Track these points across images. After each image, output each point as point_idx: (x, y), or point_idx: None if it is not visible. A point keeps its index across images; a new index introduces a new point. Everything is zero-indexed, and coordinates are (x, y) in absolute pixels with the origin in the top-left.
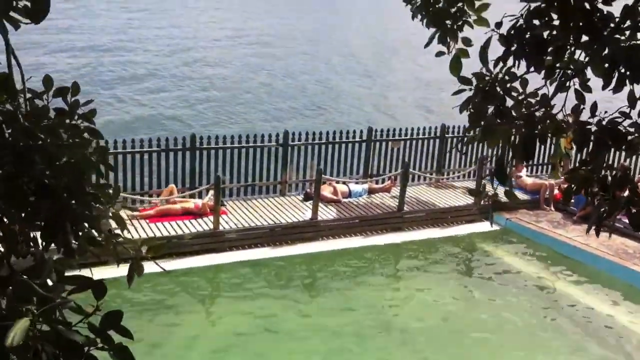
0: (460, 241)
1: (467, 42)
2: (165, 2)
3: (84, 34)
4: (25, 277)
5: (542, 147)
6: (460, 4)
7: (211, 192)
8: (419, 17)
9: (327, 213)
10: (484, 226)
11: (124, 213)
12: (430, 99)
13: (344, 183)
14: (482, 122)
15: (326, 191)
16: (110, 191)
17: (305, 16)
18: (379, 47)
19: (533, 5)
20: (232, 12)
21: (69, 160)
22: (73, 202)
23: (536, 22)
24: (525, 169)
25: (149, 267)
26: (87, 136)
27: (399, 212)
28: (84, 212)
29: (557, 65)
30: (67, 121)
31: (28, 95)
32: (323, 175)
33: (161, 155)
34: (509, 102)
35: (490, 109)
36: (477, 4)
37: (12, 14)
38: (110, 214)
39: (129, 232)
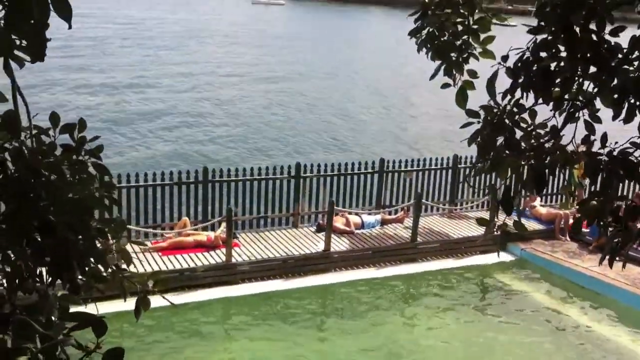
0: (474, 272)
1: (473, 74)
2: (182, 39)
3: (102, 72)
4: (26, 314)
5: (558, 176)
6: (465, 37)
7: (224, 224)
8: (424, 50)
9: (339, 244)
10: (499, 256)
11: (136, 245)
12: (449, 130)
13: (356, 214)
14: (491, 154)
15: (339, 222)
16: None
17: (323, 50)
18: (397, 79)
19: (540, 37)
20: (248, 48)
21: (72, 197)
22: (78, 238)
23: (543, 54)
24: (539, 199)
25: (159, 300)
26: (93, 172)
27: (412, 243)
28: (89, 248)
29: (566, 96)
30: (74, 157)
31: (34, 132)
32: (335, 207)
33: (174, 189)
34: (518, 134)
35: (499, 141)
36: (482, 36)
37: (16, 52)
38: (116, 249)
39: (141, 264)
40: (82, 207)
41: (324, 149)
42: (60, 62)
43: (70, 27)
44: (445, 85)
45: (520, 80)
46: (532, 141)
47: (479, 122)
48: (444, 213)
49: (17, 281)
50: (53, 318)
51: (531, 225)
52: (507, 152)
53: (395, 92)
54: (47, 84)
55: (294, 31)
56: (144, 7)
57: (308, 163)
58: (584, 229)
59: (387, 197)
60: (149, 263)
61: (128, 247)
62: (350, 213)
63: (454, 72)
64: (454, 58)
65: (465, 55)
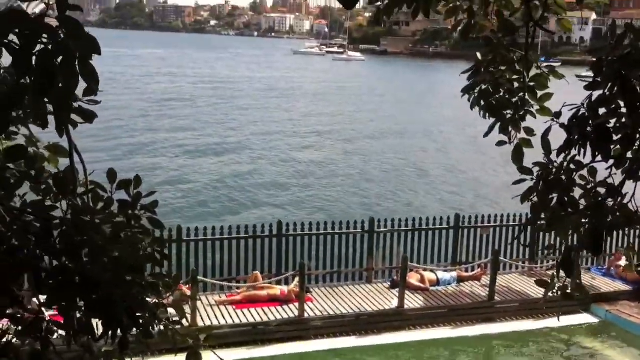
0: (556, 334)
1: (530, 132)
2: (266, 96)
3: (189, 130)
4: None
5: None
6: (521, 94)
7: (297, 278)
8: (478, 107)
9: (414, 302)
10: (582, 318)
11: (211, 298)
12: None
13: (431, 271)
14: (546, 213)
15: (413, 279)
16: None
17: (402, 105)
18: (476, 131)
19: (597, 93)
20: (330, 104)
21: (114, 254)
22: (124, 294)
23: (601, 110)
24: (624, 258)
25: (225, 355)
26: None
27: (489, 301)
28: (139, 303)
29: (627, 154)
30: (130, 212)
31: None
32: (410, 263)
33: (248, 242)
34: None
35: (555, 199)
36: (539, 93)
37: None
38: (168, 302)
39: (215, 317)
40: (124, 265)
41: (398, 203)
42: (145, 119)
43: (95, 93)
44: (500, 143)
45: (575, 137)
46: (592, 200)
47: (532, 179)
48: (523, 271)
49: (71, 334)
50: None
51: (617, 286)
52: (563, 210)
53: (472, 147)
54: (142, 143)
55: (372, 86)
56: (230, 66)
57: (382, 218)
58: None
59: (463, 253)
60: (223, 316)
61: (203, 299)
62: (425, 269)
63: (510, 130)
64: (509, 115)
65: (522, 113)
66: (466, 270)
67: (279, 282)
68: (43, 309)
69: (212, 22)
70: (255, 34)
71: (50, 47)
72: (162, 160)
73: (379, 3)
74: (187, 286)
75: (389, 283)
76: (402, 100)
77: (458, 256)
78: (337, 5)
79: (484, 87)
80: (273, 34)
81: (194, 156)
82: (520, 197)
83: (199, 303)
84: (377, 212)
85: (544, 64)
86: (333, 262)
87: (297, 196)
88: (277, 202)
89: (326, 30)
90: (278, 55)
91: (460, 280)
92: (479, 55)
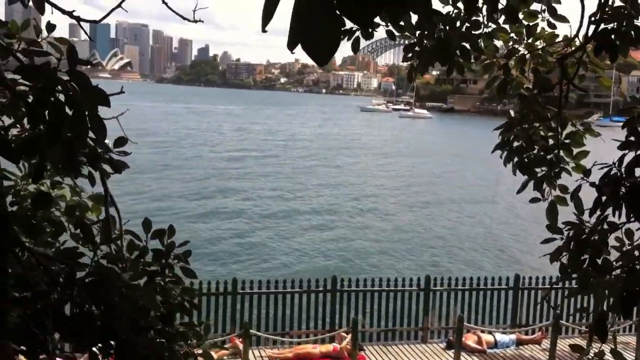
0: None
1: (564, 189)
2: (334, 152)
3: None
4: None
5: None
6: (556, 151)
7: (349, 335)
8: (511, 164)
9: None
10: None
11: (263, 352)
12: None
13: (489, 332)
14: (577, 274)
15: (470, 340)
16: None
17: (468, 163)
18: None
19: (632, 153)
20: (388, 160)
21: (136, 302)
22: (143, 340)
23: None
24: None
25: None
26: (181, 276)
27: None
28: (165, 351)
29: None
30: (163, 261)
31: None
32: (466, 323)
33: (302, 296)
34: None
35: (586, 260)
36: (575, 151)
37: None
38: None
39: None
40: (145, 312)
41: (454, 262)
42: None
43: (102, 143)
44: (534, 200)
45: (606, 197)
46: (629, 262)
47: (562, 239)
48: (585, 335)
49: None
50: None
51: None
52: (595, 272)
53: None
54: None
55: (438, 144)
56: (298, 123)
57: (438, 276)
58: None
59: (523, 315)
60: None
61: (255, 352)
62: (482, 331)
63: (544, 187)
64: (544, 172)
65: (556, 170)
66: (526, 333)
67: (332, 339)
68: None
69: (282, 80)
70: (324, 91)
71: (61, 99)
72: (225, 211)
73: (412, 61)
74: (240, 339)
75: (445, 343)
76: (467, 157)
77: (517, 318)
78: (405, 63)
79: (517, 143)
80: (341, 91)
81: (255, 208)
82: (550, 257)
83: (250, 357)
84: (434, 270)
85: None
86: (387, 320)
87: (354, 250)
88: (333, 256)
89: (393, 87)
90: (345, 112)
91: (519, 343)
92: (511, 111)
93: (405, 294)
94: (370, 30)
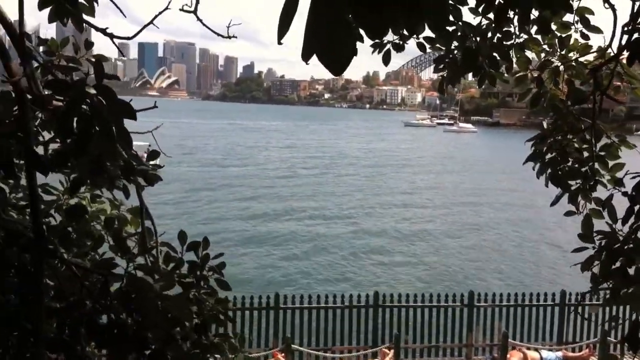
0: None
1: (599, 202)
2: (380, 166)
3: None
4: None
5: None
6: (591, 164)
7: (392, 351)
8: (544, 176)
9: None
10: None
11: None
12: None
13: (535, 349)
14: (608, 283)
15: (515, 357)
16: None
17: (516, 178)
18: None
19: None
20: (433, 175)
21: (165, 313)
22: (176, 350)
23: None
24: None
25: None
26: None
27: None
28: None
29: None
30: (198, 273)
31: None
32: (511, 340)
33: (344, 312)
34: None
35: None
36: (610, 163)
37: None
38: None
39: None
40: (176, 321)
41: (499, 277)
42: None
43: (129, 157)
44: (569, 213)
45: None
46: None
47: (593, 248)
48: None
49: None
50: None
51: None
52: (627, 282)
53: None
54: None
55: (484, 158)
56: (342, 138)
57: (482, 291)
58: None
59: (569, 332)
60: None
61: None
62: (528, 348)
63: (579, 199)
64: (579, 185)
65: (592, 183)
66: (572, 350)
67: (374, 355)
68: None
69: (326, 95)
70: (367, 106)
71: (89, 112)
72: (270, 227)
73: (443, 73)
74: (282, 354)
75: None
76: (513, 172)
77: (564, 335)
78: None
79: (550, 155)
80: (384, 106)
81: (299, 224)
82: (581, 266)
83: None
84: (477, 285)
85: None
86: (430, 336)
87: (396, 265)
88: (376, 272)
89: (437, 102)
90: (389, 127)
91: None
92: (544, 123)
93: (449, 309)
94: (401, 42)
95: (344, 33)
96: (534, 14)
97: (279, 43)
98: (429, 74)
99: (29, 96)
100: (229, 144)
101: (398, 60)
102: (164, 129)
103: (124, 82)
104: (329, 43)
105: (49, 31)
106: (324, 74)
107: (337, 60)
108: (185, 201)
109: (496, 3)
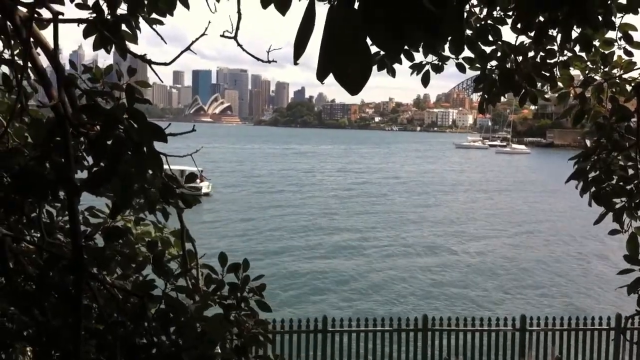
0: None
1: None
2: (426, 191)
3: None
4: None
5: None
6: (636, 181)
7: None
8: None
9: None
10: None
11: None
12: None
13: None
14: None
15: None
16: None
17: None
18: None
19: None
20: (486, 196)
21: (201, 334)
22: None
23: None
24: None
25: None
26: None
27: None
28: None
29: None
30: (238, 294)
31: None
32: None
33: (393, 335)
34: None
35: None
36: None
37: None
38: None
39: None
40: (209, 342)
41: (553, 300)
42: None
43: (158, 180)
44: (613, 232)
45: None
46: None
47: None
48: None
49: None
50: None
51: None
52: None
53: None
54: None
55: (540, 179)
56: (395, 161)
57: (534, 315)
58: None
59: (625, 358)
60: None
61: None
62: None
63: (624, 217)
64: (624, 203)
65: (637, 201)
66: None
67: None
68: None
69: (377, 119)
70: (418, 128)
71: (120, 135)
72: (322, 248)
73: (482, 92)
74: None
75: None
76: (568, 192)
77: None
78: (501, 98)
79: (594, 174)
80: (435, 129)
81: (351, 244)
82: (627, 288)
83: None
84: (530, 309)
85: None
86: None
87: (446, 287)
88: (425, 294)
89: (489, 123)
90: (440, 149)
91: None
92: (587, 141)
93: (500, 333)
94: (440, 63)
95: (360, 52)
96: (576, 31)
97: (295, 63)
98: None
99: (69, 122)
100: (282, 168)
101: (449, 83)
102: (220, 153)
103: (179, 109)
104: (344, 62)
105: (106, 60)
106: (374, 97)
107: (354, 80)
108: (240, 223)
109: (536, 21)
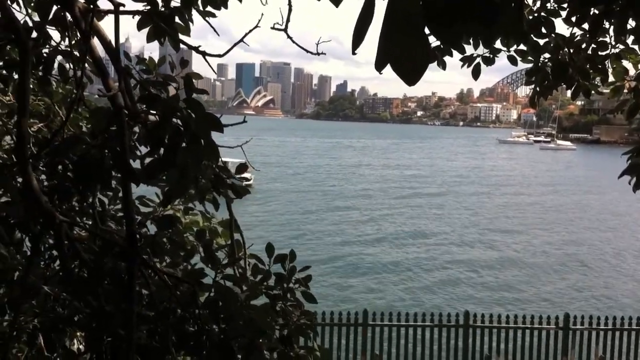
0: None
1: None
2: (471, 187)
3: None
4: None
5: None
6: None
7: None
8: None
9: None
10: None
11: None
12: None
13: None
14: None
15: None
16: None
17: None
18: None
19: None
20: (532, 192)
21: (249, 322)
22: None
23: None
24: None
25: None
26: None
27: None
28: None
29: None
30: (284, 285)
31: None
32: None
33: (434, 330)
34: None
35: None
36: None
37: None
38: None
39: None
40: (257, 331)
41: (597, 299)
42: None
43: (210, 170)
44: None
45: None
46: None
47: None
48: None
49: None
50: None
51: None
52: None
53: None
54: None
55: (586, 176)
56: (438, 156)
57: (578, 314)
58: None
59: None
60: None
61: None
62: None
63: None
64: None
65: None
66: None
67: None
68: None
69: (419, 113)
70: (461, 123)
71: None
72: (364, 243)
73: (535, 86)
74: None
75: None
76: (618, 190)
77: None
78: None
79: None
80: (478, 124)
81: (393, 240)
82: None
83: None
84: (574, 307)
85: None
86: (523, 359)
87: (489, 284)
88: (467, 290)
89: (534, 119)
90: (484, 144)
91: None
92: None
93: (543, 332)
94: (491, 56)
95: (419, 42)
96: (631, 24)
97: (353, 53)
98: (525, 91)
99: (125, 111)
100: (325, 162)
101: (493, 78)
102: (265, 146)
103: (222, 102)
104: (403, 53)
105: (154, 52)
106: (416, 91)
107: (412, 70)
108: (285, 215)
109: (591, 14)
